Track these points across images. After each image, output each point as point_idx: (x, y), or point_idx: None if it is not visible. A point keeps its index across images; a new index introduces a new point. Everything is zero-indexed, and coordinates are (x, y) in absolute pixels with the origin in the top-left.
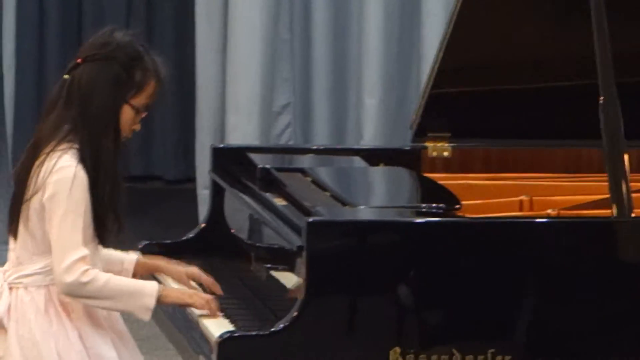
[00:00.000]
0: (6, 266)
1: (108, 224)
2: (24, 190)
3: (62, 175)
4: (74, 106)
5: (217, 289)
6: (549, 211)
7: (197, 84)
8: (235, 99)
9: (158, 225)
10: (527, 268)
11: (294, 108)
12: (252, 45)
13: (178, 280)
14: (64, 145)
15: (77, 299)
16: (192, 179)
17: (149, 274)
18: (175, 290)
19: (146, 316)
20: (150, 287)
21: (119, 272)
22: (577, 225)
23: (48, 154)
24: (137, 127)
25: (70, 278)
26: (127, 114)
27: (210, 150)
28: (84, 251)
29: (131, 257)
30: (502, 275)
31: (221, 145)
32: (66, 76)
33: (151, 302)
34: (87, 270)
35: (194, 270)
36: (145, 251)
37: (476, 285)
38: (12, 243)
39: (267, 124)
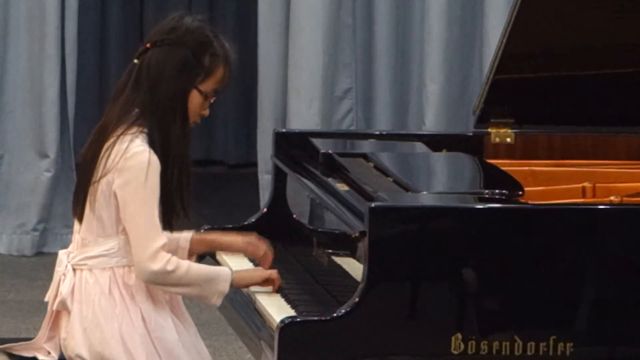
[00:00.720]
0: (70, 248)
1: (176, 209)
2: (91, 173)
3: (137, 161)
4: (143, 90)
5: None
6: (612, 198)
7: (259, 69)
8: (297, 83)
9: (220, 209)
10: (590, 255)
11: (355, 93)
12: (315, 30)
13: (236, 247)
14: (134, 129)
15: (159, 286)
16: (253, 164)
17: (205, 250)
18: (245, 271)
19: (219, 301)
20: (224, 273)
21: (174, 251)
22: None
23: (119, 136)
24: (206, 112)
25: (156, 266)
26: (195, 99)
27: (273, 135)
28: (164, 239)
29: (186, 235)
30: (565, 262)
31: (283, 130)
32: (135, 61)
33: (225, 287)
34: (170, 258)
35: (250, 239)
36: None
37: (538, 272)
38: (76, 225)
39: (328, 109)
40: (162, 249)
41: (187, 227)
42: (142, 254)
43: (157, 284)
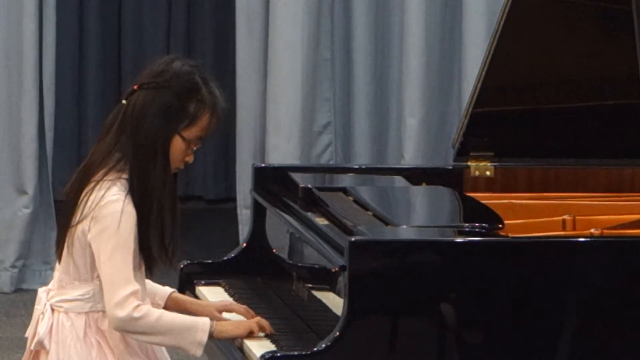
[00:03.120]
0: (50, 285)
1: (155, 254)
2: (71, 215)
3: (110, 210)
4: (126, 133)
5: (253, 314)
6: (592, 230)
7: (238, 104)
8: (276, 118)
9: (199, 245)
10: (571, 288)
11: (334, 127)
12: (293, 64)
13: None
14: (112, 175)
15: (130, 335)
16: (232, 199)
17: (178, 312)
18: (228, 323)
19: (198, 351)
20: (202, 323)
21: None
22: (621, 244)
23: (97, 182)
24: (190, 159)
25: (122, 313)
26: (178, 145)
27: (252, 170)
28: (135, 286)
29: (163, 292)
30: (545, 295)
31: (262, 165)
32: (124, 101)
33: (203, 338)
34: (139, 305)
35: (225, 303)
36: (186, 270)
37: (519, 305)
38: (57, 264)
39: (307, 144)
40: (132, 296)
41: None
42: (110, 301)
43: (127, 332)
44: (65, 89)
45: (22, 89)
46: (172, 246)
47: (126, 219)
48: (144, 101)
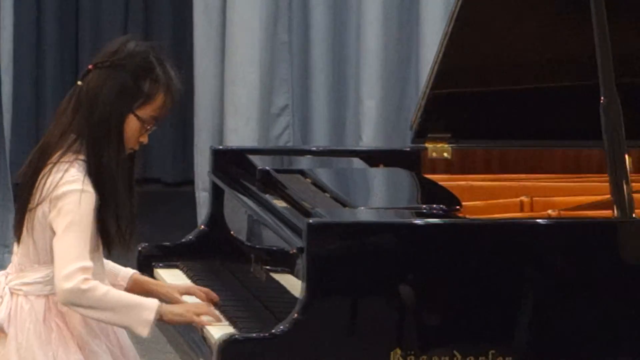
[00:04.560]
0: (9, 269)
1: (112, 234)
2: (28, 198)
3: (69, 190)
4: (81, 113)
5: (214, 296)
6: (549, 212)
7: (195, 86)
8: (234, 101)
9: (157, 227)
10: (528, 269)
11: (292, 110)
12: (251, 47)
13: (170, 300)
14: (69, 157)
15: (75, 308)
16: (190, 182)
17: (140, 293)
18: (175, 307)
19: (145, 331)
20: (150, 302)
21: (111, 285)
22: (578, 226)
23: (54, 164)
24: (145, 139)
25: (68, 284)
26: (132, 124)
27: (210, 152)
28: (87, 263)
29: (125, 273)
30: (503, 276)
31: (220, 147)
32: (79, 82)
33: (150, 316)
34: (87, 279)
35: (187, 286)
36: (144, 252)
37: (477, 287)
38: (15, 247)
39: (265, 126)
40: (81, 271)
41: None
42: (58, 274)
43: (73, 305)
44: (23, 70)
45: None
46: (130, 228)
47: (85, 199)
48: (97, 80)
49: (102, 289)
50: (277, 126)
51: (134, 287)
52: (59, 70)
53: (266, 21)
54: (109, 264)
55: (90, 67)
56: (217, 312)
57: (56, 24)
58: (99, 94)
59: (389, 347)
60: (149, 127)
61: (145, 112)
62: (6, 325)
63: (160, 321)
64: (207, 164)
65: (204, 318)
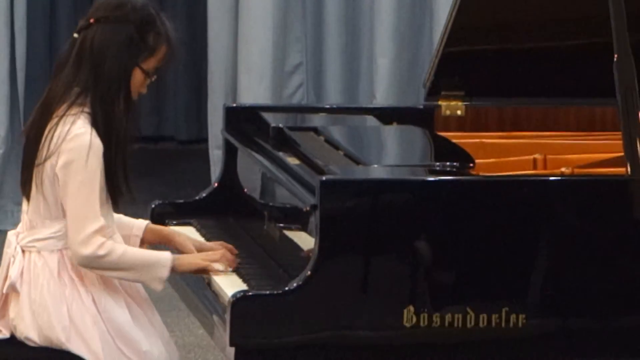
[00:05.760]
0: (19, 228)
1: (121, 187)
2: (35, 154)
3: (78, 144)
4: (85, 67)
5: (230, 247)
6: (562, 169)
7: (209, 45)
8: (247, 59)
9: (171, 185)
10: (541, 226)
11: (306, 68)
12: (264, 4)
13: (184, 250)
14: (75, 109)
15: (93, 270)
16: (204, 139)
17: (156, 242)
18: (188, 257)
19: (159, 286)
20: (164, 258)
21: (127, 237)
22: (591, 183)
23: (61, 117)
24: (144, 90)
25: (87, 251)
26: (137, 77)
27: (223, 110)
28: (101, 221)
29: (140, 223)
30: (516, 233)
31: (234, 105)
32: (76, 35)
33: (165, 273)
34: (103, 242)
35: (202, 242)
36: (158, 210)
37: (489, 244)
38: (25, 205)
39: (279, 84)
40: (97, 233)
41: (136, 203)
42: (75, 238)
43: (91, 268)
44: (37, 29)
45: None
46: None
47: (94, 153)
48: (103, 35)
49: (118, 251)
50: (290, 84)
51: (149, 236)
52: (72, 30)
53: None
54: (122, 218)
55: (91, 21)
56: (231, 256)
57: None
58: (106, 49)
59: (401, 304)
60: (152, 79)
61: (150, 64)
62: (19, 284)
63: (174, 272)
64: (221, 122)
65: (216, 266)
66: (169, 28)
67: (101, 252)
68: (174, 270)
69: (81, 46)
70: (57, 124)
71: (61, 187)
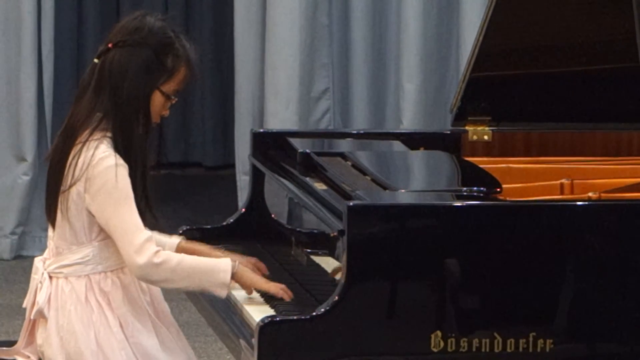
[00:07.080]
0: (46, 254)
1: (142, 210)
2: (59, 180)
3: (104, 166)
4: (105, 92)
5: (262, 266)
6: (590, 194)
7: (236, 70)
8: (274, 84)
9: (198, 211)
10: (569, 251)
11: (333, 93)
12: (291, 30)
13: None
14: (98, 134)
15: (152, 282)
16: (231, 165)
17: None
18: (251, 271)
19: (223, 292)
20: (224, 263)
21: None
22: (619, 208)
23: (84, 143)
24: (166, 112)
25: (142, 259)
26: (157, 100)
27: (250, 135)
28: (148, 232)
29: (173, 241)
30: (543, 258)
31: (261, 130)
32: (96, 60)
33: (226, 277)
34: (158, 251)
35: (236, 256)
36: (186, 236)
37: (517, 269)
38: (50, 232)
39: (306, 110)
40: (148, 242)
41: (163, 229)
42: (128, 250)
43: (150, 280)
44: (64, 54)
45: (20, 55)
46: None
47: (121, 172)
48: (121, 59)
49: (175, 259)
50: (317, 110)
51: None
52: None
53: (306, 4)
54: (155, 236)
55: (109, 45)
56: (290, 292)
57: (97, 9)
58: (125, 73)
59: (429, 329)
60: (172, 101)
61: (170, 87)
62: (46, 310)
63: (233, 280)
64: (248, 147)
65: (274, 289)
66: (189, 49)
67: (157, 260)
68: (234, 277)
69: (101, 71)
70: (80, 149)
71: (99, 216)
